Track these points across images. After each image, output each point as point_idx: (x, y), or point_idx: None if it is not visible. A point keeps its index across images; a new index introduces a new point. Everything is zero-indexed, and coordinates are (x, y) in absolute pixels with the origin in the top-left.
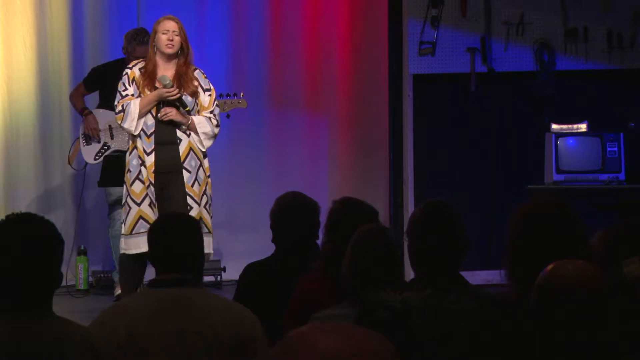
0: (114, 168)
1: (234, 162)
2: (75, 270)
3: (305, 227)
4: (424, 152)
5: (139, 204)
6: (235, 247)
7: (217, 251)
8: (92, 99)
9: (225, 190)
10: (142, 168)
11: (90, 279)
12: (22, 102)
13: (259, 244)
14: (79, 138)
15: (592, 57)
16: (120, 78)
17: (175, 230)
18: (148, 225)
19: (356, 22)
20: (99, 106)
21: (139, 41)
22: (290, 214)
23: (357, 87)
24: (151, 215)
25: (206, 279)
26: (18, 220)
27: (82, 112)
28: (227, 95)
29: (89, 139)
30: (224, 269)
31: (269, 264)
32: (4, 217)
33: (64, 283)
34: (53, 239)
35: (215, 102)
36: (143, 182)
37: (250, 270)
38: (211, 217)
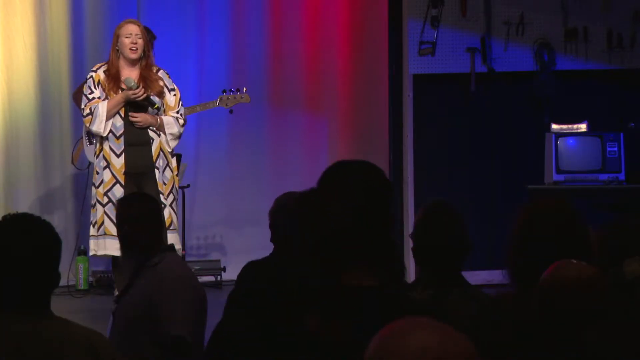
0: None
1: (234, 161)
2: (76, 270)
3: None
4: (424, 152)
5: (103, 205)
6: (235, 246)
7: (217, 250)
8: None
9: (225, 189)
10: (106, 170)
11: (90, 279)
12: (22, 102)
13: (259, 243)
14: (82, 138)
15: (592, 57)
16: None
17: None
18: (114, 227)
19: (356, 22)
20: None
21: None
22: (290, 214)
23: (357, 87)
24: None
25: (206, 279)
26: (15, 221)
27: None
28: (230, 90)
29: (91, 139)
30: (224, 269)
31: (269, 263)
32: (1, 218)
33: (64, 283)
34: (50, 238)
35: (181, 102)
36: (104, 185)
37: (250, 269)
38: (176, 215)
